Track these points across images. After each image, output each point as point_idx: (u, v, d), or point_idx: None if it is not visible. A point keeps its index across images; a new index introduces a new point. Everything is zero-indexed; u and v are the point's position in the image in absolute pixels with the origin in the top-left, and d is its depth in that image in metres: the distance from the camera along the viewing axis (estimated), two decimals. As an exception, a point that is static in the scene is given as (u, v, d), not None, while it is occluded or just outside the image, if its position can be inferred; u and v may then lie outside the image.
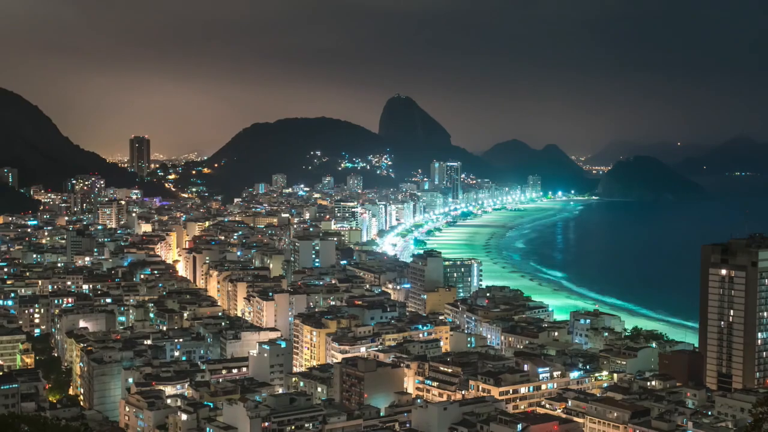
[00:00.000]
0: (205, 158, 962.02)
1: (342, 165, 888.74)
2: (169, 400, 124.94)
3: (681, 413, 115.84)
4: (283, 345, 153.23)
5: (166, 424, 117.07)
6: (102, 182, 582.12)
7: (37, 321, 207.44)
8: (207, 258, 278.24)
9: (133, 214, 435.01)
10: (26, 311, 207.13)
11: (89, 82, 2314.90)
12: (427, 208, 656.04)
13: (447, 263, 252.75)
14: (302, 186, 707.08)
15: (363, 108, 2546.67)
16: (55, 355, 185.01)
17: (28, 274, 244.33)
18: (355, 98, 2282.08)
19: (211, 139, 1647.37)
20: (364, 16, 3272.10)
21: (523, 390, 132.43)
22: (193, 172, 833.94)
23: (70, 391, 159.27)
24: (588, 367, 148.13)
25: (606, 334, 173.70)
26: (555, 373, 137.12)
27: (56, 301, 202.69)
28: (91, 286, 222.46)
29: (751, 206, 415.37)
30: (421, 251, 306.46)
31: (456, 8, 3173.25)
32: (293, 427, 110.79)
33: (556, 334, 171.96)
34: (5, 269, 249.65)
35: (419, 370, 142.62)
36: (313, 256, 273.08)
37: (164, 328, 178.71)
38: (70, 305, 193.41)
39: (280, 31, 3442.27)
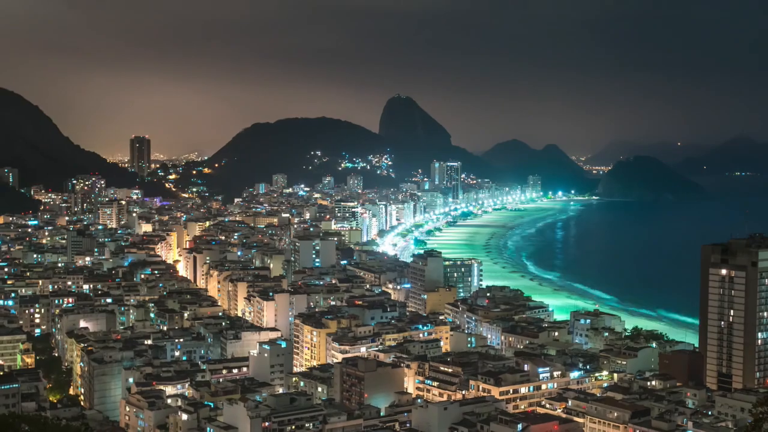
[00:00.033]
0: (206, 158, 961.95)
1: (342, 165, 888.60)
2: (169, 400, 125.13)
3: (681, 413, 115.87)
4: (284, 345, 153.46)
5: (167, 424, 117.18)
6: (102, 182, 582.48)
7: (37, 321, 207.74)
8: (207, 258, 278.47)
9: (134, 214, 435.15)
10: (27, 311, 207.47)
11: (89, 82, 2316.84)
12: (428, 208, 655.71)
13: (447, 263, 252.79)
14: (302, 186, 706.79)
15: (363, 108, 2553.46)
16: (56, 355, 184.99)
17: (28, 274, 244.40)
18: (355, 98, 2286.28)
19: (212, 139, 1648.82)
20: (364, 16, 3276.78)
21: (523, 390, 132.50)
22: (194, 172, 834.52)
23: (71, 391, 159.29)
24: (588, 367, 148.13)
25: (606, 334, 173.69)
26: (555, 373, 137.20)
27: (57, 301, 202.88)
28: (91, 286, 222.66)
29: (751, 206, 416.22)
30: (422, 251, 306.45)
31: (456, 8, 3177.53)
32: (293, 427, 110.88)
33: (556, 334, 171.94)
34: (6, 269, 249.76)
35: (419, 370, 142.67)
36: (314, 256, 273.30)
37: (165, 328, 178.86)
38: (70, 305, 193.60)
39: (280, 31, 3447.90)
